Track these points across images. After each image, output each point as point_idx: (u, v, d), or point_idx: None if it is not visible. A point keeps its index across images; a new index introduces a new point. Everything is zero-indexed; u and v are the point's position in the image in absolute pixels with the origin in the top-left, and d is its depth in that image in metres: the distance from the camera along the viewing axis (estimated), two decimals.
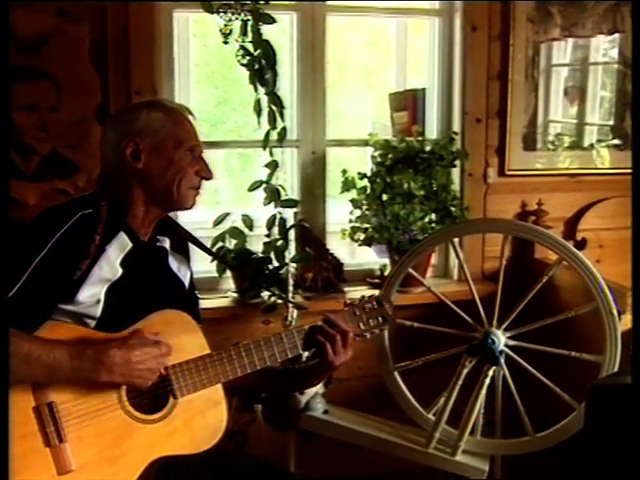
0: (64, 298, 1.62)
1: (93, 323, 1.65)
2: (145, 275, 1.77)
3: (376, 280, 3.03)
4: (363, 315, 1.90)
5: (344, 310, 1.88)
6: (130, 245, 1.74)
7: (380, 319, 1.92)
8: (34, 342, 1.51)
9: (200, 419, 1.70)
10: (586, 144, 3.24)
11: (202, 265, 2.82)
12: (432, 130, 3.14)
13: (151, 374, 1.60)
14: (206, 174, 1.83)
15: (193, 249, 2.00)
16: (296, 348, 1.80)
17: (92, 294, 1.64)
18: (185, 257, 1.94)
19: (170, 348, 1.64)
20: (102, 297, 1.66)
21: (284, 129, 2.74)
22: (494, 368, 2.35)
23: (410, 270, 2.52)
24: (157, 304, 1.72)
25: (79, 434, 1.56)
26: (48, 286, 1.59)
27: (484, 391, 2.35)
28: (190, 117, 1.87)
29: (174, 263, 1.89)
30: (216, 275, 2.83)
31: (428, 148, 2.95)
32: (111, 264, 1.69)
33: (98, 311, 1.65)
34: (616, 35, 3.17)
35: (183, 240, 1.96)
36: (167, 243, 1.88)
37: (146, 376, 1.59)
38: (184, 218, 2.84)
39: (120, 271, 1.70)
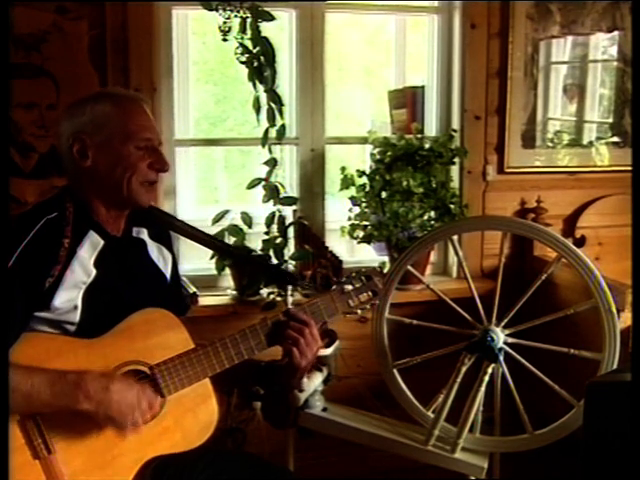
0: (39, 306, 1.58)
1: (73, 328, 1.62)
2: (121, 272, 1.73)
3: None
4: (352, 292, 1.86)
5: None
6: (102, 243, 1.69)
7: (370, 293, 1.88)
8: (12, 370, 1.45)
9: (191, 415, 1.68)
10: (585, 142, 3.24)
11: (201, 263, 2.83)
12: (431, 127, 3.15)
13: (129, 409, 1.53)
14: (160, 166, 1.73)
15: (177, 237, 1.94)
16: None
17: (68, 299, 1.61)
18: (166, 246, 1.90)
19: (153, 397, 1.59)
20: (79, 302, 1.62)
21: (283, 126, 2.74)
22: (493, 365, 2.34)
23: (409, 268, 2.53)
24: (136, 301, 1.68)
25: (68, 443, 1.54)
26: (20, 297, 1.54)
27: (483, 388, 2.35)
28: (145, 106, 1.76)
29: (154, 253, 1.85)
30: (215, 273, 2.83)
31: (427, 145, 2.96)
32: (84, 266, 1.65)
33: (76, 317, 1.62)
34: (615, 33, 3.17)
35: (164, 228, 1.91)
36: (145, 234, 1.84)
37: (124, 410, 1.52)
38: (183, 216, 2.86)
39: (94, 272, 1.66)
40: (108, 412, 1.51)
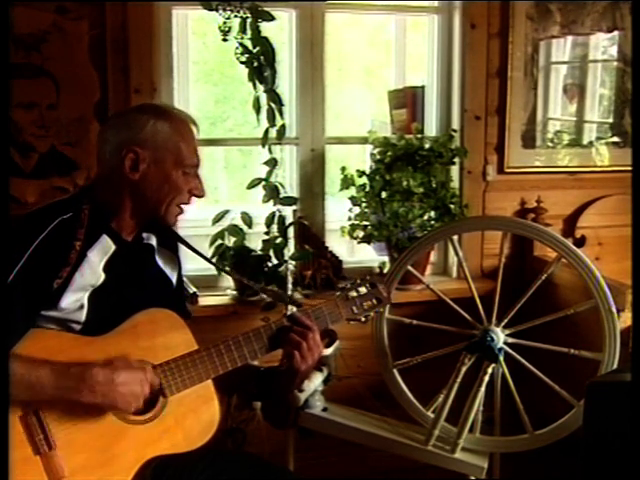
0: (46, 306, 1.59)
1: (78, 327, 1.63)
2: (129, 277, 1.74)
3: None
4: (356, 298, 1.87)
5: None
6: (113, 248, 1.70)
7: (375, 301, 1.89)
8: (17, 361, 1.47)
9: (192, 416, 1.68)
10: (585, 142, 3.24)
11: (201, 263, 2.81)
12: (431, 127, 3.15)
13: (134, 398, 1.55)
14: (199, 192, 1.79)
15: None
16: None
17: (75, 300, 1.62)
18: (173, 252, 1.91)
19: (154, 377, 1.61)
20: (85, 302, 1.63)
21: (283, 126, 2.74)
22: (493, 365, 2.34)
23: (409, 268, 2.52)
24: (142, 303, 1.69)
25: (69, 440, 1.54)
26: (28, 296, 1.55)
27: (483, 388, 2.35)
28: (195, 129, 1.80)
29: (161, 259, 1.86)
30: (215, 273, 2.83)
31: (427, 145, 2.95)
32: (93, 270, 1.65)
33: (82, 316, 1.63)
34: (615, 33, 3.17)
35: (172, 235, 1.92)
36: (154, 240, 1.85)
37: (128, 399, 1.54)
38: (183, 216, 2.86)
39: (103, 276, 1.67)
40: (113, 404, 1.54)
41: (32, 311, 1.58)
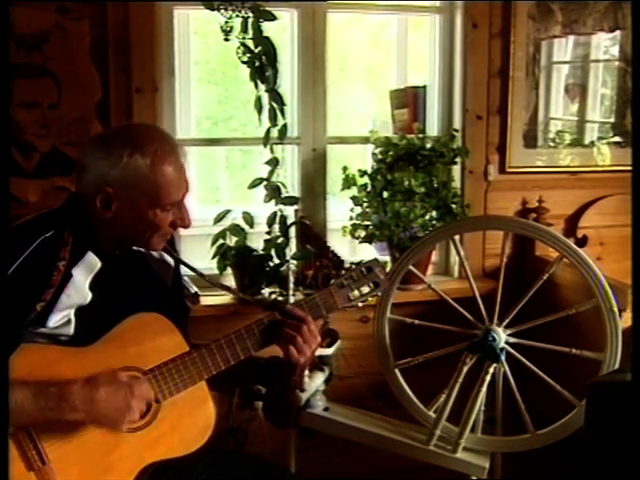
0: (32, 326, 1.55)
1: (67, 339, 1.59)
2: (118, 287, 1.69)
3: None
4: (352, 284, 1.79)
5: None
6: (99, 265, 1.65)
7: (372, 285, 1.82)
8: None
9: (187, 419, 1.65)
10: (587, 141, 3.24)
11: (202, 263, 2.82)
12: (433, 127, 3.14)
13: (118, 414, 1.49)
14: (182, 224, 1.69)
15: (179, 243, 1.91)
16: None
17: (61, 317, 1.57)
18: (168, 253, 1.84)
19: (145, 390, 1.56)
20: (72, 317, 1.59)
21: (285, 126, 2.74)
22: (495, 365, 2.34)
23: (411, 267, 2.53)
24: (133, 309, 1.65)
25: (62, 453, 1.51)
26: (10, 318, 1.50)
27: (485, 388, 2.35)
28: (181, 155, 1.66)
29: (153, 262, 1.81)
30: (217, 273, 2.83)
31: (429, 145, 2.95)
32: (79, 289, 1.60)
33: (71, 330, 1.59)
34: (617, 32, 3.16)
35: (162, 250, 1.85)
36: None
37: (113, 416, 1.49)
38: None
39: (90, 295, 1.62)
40: (97, 419, 1.50)
41: (17, 332, 1.53)
